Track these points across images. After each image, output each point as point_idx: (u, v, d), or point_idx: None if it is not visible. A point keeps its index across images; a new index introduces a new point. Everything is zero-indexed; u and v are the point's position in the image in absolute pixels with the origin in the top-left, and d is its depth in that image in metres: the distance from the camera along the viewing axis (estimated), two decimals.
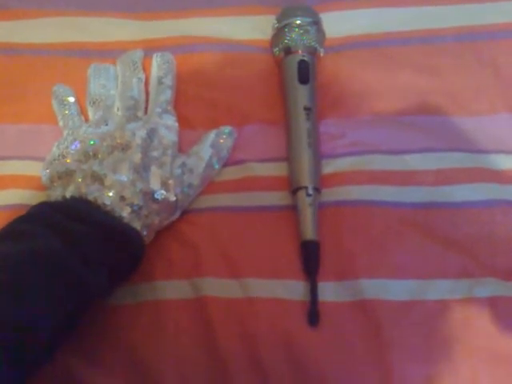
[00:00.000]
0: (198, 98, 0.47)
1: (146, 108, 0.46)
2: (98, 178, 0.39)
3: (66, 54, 0.50)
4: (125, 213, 0.38)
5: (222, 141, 0.45)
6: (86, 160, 0.41)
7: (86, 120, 0.46)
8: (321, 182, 0.43)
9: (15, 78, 0.49)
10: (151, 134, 0.42)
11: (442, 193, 0.42)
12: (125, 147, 0.41)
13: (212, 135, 0.45)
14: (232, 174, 0.44)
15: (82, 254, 0.35)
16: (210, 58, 0.49)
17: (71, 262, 0.34)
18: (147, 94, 0.47)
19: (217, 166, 0.44)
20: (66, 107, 0.46)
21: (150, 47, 0.49)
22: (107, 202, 0.38)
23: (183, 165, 0.42)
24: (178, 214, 0.42)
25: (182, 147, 0.45)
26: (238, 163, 0.45)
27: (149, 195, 0.39)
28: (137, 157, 0.40)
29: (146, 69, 0.48)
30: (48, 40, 0.50)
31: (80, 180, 0.39)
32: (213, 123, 0.46)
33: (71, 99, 0.46)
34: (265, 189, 0.43)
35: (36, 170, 0.43)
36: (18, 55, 0.50)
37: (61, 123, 0.45)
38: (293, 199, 0.42)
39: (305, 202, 0.41)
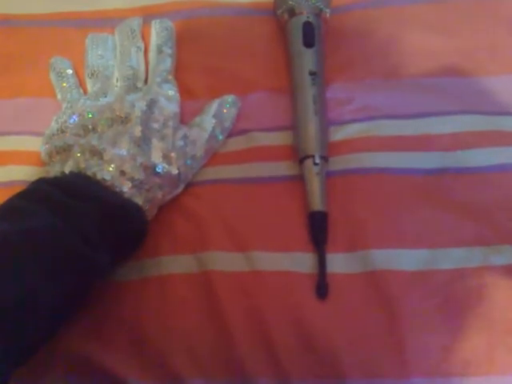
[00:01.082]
0: (200, 65, 0.46)
1: (147, 78, 0.44)
2: (96, 153, 0.37)
3: (62, 25, 0.48)
4: (125, 188, 0.37)
5: (225, 110, 0.43)
6: (84, 134, 0.40)
7: (85, 92, 0.45)
8: (328, 150, 0.41)
9: (11, 50, 0.47)
10: (151, 105, 0.41)
11: (457, 158, 0.40)
12: (124, 120, 0.40)
13: (215, 105, 0.43)
14: (236, 144, 0.43)
15: (81, 230, 0.34)
16: (210, 23, 0.47)
17: (71, 240, 0.33)
18: (147, 63, 0.45)
19: (220, 137, 0.42)
20: (64, 80, 0.44)
21: (149, 14, 0.48)
22: (107, 177, 0.36)
23: (185, 136, 0.41)
24: (181, 188, 0.41)
25: (183, 118, 0.43)
26: (243, 133, 0.43)
27: (150, 169, 0.38)
28: (137, 130, 0.39)
29: (145, 37, 0.46)
30: (44, 10, 0.49)
31: (79, 155, 0.38)
32: (215, 92, 0.44)
33: (69, 71, 0.45)
34: (270, 159, 0.42)
35: (35, 145, 0.42)
36: (13, 27, 0.48)
37: (59, 96, 0.44)
38: (300, 169, 0.41)
39: (312, 171, 0.40)
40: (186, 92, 0.44)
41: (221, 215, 0.40)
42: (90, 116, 0.40)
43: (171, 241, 0.39)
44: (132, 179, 0.37)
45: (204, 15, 0.47)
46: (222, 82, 0.45)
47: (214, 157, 0.43)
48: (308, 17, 0.43)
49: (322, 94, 0.42)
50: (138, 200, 0.37)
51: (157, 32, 0.46)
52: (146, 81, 0.44)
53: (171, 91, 0.43)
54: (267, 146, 0.42)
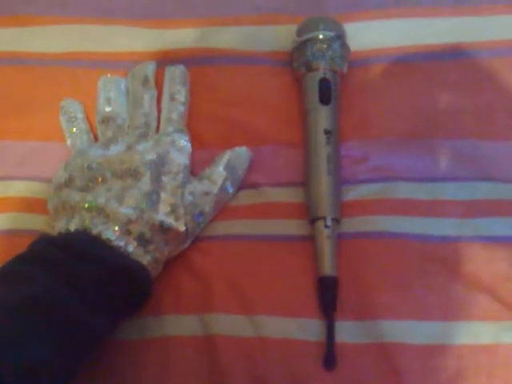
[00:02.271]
0: (213, 115, 0.45)
1: (159, 124, 0.44)
2: (102, 211, 0.37)
3: (75, 65, 0.47)
4: (131, 247, 0.36)
5: (236, 163, 0.42)
6: (92, 185, 0.39)
7: (96, 137, 0.44)
8: (341, 211, 0.40)
9: (21, 90, 0.46)
10: (162, 157, 0.40)
11: (472, 226, 0.40)
12: (133, 173, 0.39)
13: (226, 156, 0.42)
14: (247, 198, 0.42)
15: (84, 296, 0.33)
16: (225, 71, 0.46)
17: (73, 306, 0.32)
18: (159, 110, 0.44)
19: (231, 190, 0.42)
20: (74, 124, 0.44)
21: (163, 58, 0.47)
22: (112, 237, 0.35)
23: (195, 190, 0.40)
24: (188, 243, 0.40)
25: (194, 168, 0.43)
26: (254, 187, 0.42)
27: (157, 226, 0.37)
28: (145, 185, 0.38)
29: (158, 82, 0.46)
30: (56, 49, 0.48)
31: (84, 212, 0.37)
32: (227, 143, 0.43)
33: (80, 115, 0.44)
34: (281, 216, 0.41)
35: (41, 192, 0.42)
36: (24, 66, 0.47)
37: (68, 141, 0.43)
38: (311, 229, 0.40)
39: (323, 233, 0.39)
40: (197, 141, 0.44)
41: (228, 274, 0.39)
42: (99, 167, 0.40)
43: (175, 299, 0.39)
44: (138, 238, 0.36)
45: (219, 63, 0.46)
46: (235, 132, 0.44)
47: (223, 210, 0.42)
48: (325, 73, 0.43)
49: (337, 153, 0.41)
50: (144, 259, 0.36)
51: (170, 78, 0.45)
52: (158, 128, 0.44)
53: (183, 141, 0.42)
54: (278, 202, 0.41)
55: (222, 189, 0.41)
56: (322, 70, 0.43)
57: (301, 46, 0.44)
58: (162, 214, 0.38)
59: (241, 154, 0.43)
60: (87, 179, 0.40)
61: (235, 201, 0.42)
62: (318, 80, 0.42)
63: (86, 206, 0.37)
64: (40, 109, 0.46)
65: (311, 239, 0.40)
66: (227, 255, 0.40)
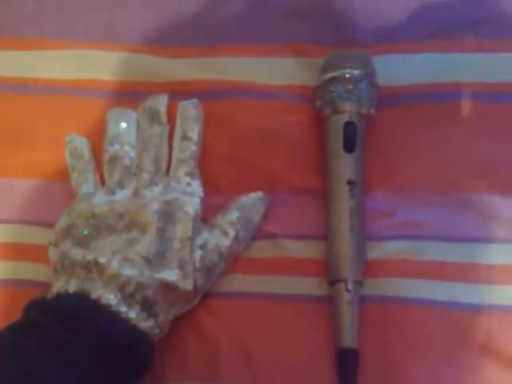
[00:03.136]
0: (227, 155, 0.42)
1: (169, 164, 0.41)
2: (104, 271, 0.34)
3: (83, 94, 0.44)
4: (133, 313, 0.33)
5: (251, 210, 0.39)
6: (96, 236, 0.36)
7: (102, 177, 0.41)
8: (364, 272, 0.37)
9: (25, 121, 0.44)
10: (171, 205, 0.37)
11: (507, 294, 0.36)
12: (139, 224, 0.36)
13: (240, 203, 0.39)
14: (260, 250, 0.39)
15: (80, 370, 0.30)
16: (242, 106, 0.43)
17: (69, 382, 0.30)
18: (170, 147, 0.41)
19: (244, 242, 0.39)
20: (80, 164, 0.41)
21: (176, 91, 0.43)
22: (112, 302, 0.33)
23: (205, 243, 0.37)
24: (196, 301, 0.37)
25: (205, 214, 0.39)
26: (269, 237, 0.39)
27: (163, 286, 0.34)
28: (151, 240, 0.35)
29: (170, 115, 0.42)
30: (64, 76, 0.45)
31: (84, 273, 0.34)
32: (242, 187, 0.40)
33: (86, 153, 0.41)
34: (297, 273, 0.38)
35: (43, 238, 0.39)
36: (29, 94, 0.44)
37: (73, 182, 0.40)
38: (330, 289, 0.37)
39: (343, 298, 0.36)
40: (210, 184, 0.40)
41: (238, 338, 0.36)
42: (103, 217, 0.37)
43: (180, 364, 0.36)
44: (141, 301, 0.33)
45: (235, 97, 0.43)
46: (250, 175, 0.41)
47: (235, 261, 0.39)
48: (351, 116, 0.39)
49: (361, 207, 0.38)
50: (147, 325, 0.33)
51: (183, 115, 0.42)
52: (168, 167, 0.40)
53: (194, 186, 0.39)
54: (295, 257, 0.38)
55: (235, 239, 0.38)
56: (347, 112, 0.39)
57: (325, 85, 0.40)
58: (169, 273, 0.35)
59: (256, 200, 0.39)
60: (90, 228, 0.37)
61: (248, 252, 0.39)
62: (342, 124, 0.39)
63: (86, 264, 0.34)
64: (44, 143, 0.43)
65: (330, 301, 0.36)
66: (238, 316, 0.37)
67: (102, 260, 0.34)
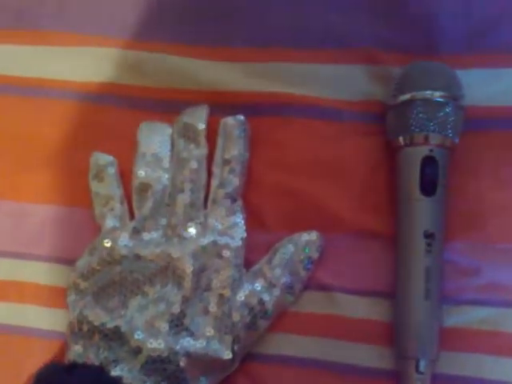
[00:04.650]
0: (277, 185, 0.35)
1: (207, 193, 0.34)
2: (126, 342, 0.28)
3: (105, 101, 0.38)
4: None
5: (302, 256, 0.33)
6: (119, 288, 0.31)
7: (129, 202, 0.35)
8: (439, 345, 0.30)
9: (39, 134, 0.37)
10: (208, 252, 0.31)
11: None
12: (169, 277, 0.31)
13: (290, 245, 0.33)
14: (313, 304, 0.33)
15: None
16: (298, 126, 0.36)
17: None
18: (210, 172, 0.35)
19: (293, 295, 0.32)
20: (105, 189, 0.35)
21: (219, 103, 0.36)
22: (135, 383, 0.27)
23: (247, 299, 0.31)
24: (234, 367, 0.31)
25: (248, 255, 0.33)
26: (323, 289, 0.33)
27: (195, 356, 0.29)
28: (182, 298, 0.30)
29: (210, 132, 0.36)
30: (83, 78, 0.38)
31: (103, 343, 0.29)
32: (293, 224, 0.34)
33: (113, 179, 0.35)
34: (358, 339, 0.32)
35: (61, 278, 0.34)
36: (45, 98, 0.38)
37: (97, 211, 0.35)
38: (396, 364, 0.31)
39: (412, 380, 0.29)
40: (255, 219, 0.34)
41: None
42: (128, 265, 0.31)
43: None
44: (168, 378, 0.28)
45: (291, 114, 0.36)
46: (304, 211, 0.34)
47: (281, 318, 0.33)
48: (431, 150, 0.32)
49: (440, 265, 0.31)
50: None
51: (226, 134, 0.35)
52: (206, 198, 0.34)
53: (236, 225, 0.33)
54: (353, 318, 0.32)
55: (282, 291, 0.32)
56: (427, 145, 0.32)
57: (400, 107, 0.32)
58: (203, 342, 0.29)
59: (310, 241, 0.33)
60: (112, 278, 0.31)
61: (298, 305, 0.33)
62: (420, 159, 0.32)
63: (106, 332, 0.29)
64: (61, 161, 0.37)
65: (396, 377, 0.30)
66: None
67: (125, 329, 0.29)
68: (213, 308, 0.31)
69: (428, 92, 0.32)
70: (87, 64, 0.38)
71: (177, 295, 0.30)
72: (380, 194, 0.34)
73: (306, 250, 0.33)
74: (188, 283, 0.30)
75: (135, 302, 0.30)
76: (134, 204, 0.34)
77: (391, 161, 0.34)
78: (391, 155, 0.33)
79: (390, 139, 0.33)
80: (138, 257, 0.32)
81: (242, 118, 0.35)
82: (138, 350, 0.28)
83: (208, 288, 0.31)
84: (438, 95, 0.32)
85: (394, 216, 0.33)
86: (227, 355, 0.30)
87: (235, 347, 0.30)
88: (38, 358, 0.32)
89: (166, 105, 0.37)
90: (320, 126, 0.35)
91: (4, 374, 0.32)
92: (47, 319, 0.33)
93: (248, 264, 0.33)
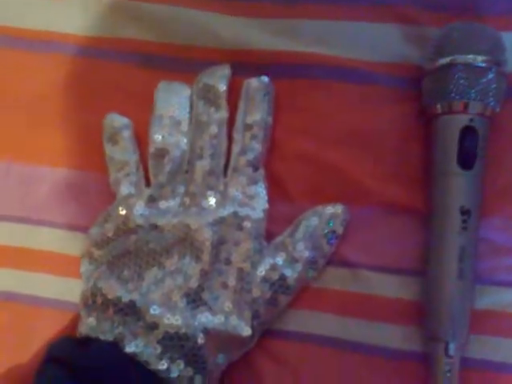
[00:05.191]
0: (301, 153, 0.33)
1: (227, 160, 0.32)
2: (141, 316, 0.27)
3: (121, 59, 0.35)
4: (175, 372, 0.27)
5: (326, 230, 0.31)
6: (134, 259, 0.29)
7: (145, 168, 0.33)
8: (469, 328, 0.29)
9: (49, 92, 0.35)
10: (227, 224, 0.30)
11: None
12: (186, 248, 0.29)
13: (314, 220, 0.31)
14: (336, 281, 0.31)
15: None
16: (327, 90, 0.33)
17: None
18: (229, 138, 0.33)
19: (316, 270, 0.31)
20: (120, 154, 0.33)
21: (242, 61, 0.34)
22: (151, 360, 0.26)
23: (268, 274, 0.29)
24: (253, 344, 0.30)
25: (269, 226, 0.32)
26: (347, 266, 0.31)
27: (214, 333, 0.28)
28: (200, 271, 0.29)
29: (231, 94, 0.33)
30: (98, 32, 0.35)
31: (118, 317, 0.27)
32: (317, 195, 0.32)
33: (128, 142, 0.33)
34: (384, 318, 0.30)
35: (74, 246, 0.32)
36: (54, 53, 0.35)
37: (111, 178, 0.33)
38: (424, 346, 0.29)
39: (441, 364, 0.28)
40: (278, 189, 0.33)
41: None
42: (143, 235, 0.30)
43: None
44: (185, 355, 0.27)
45: (319, 76, 0.33)
46: (329, 181, 0.32)
47: (302, 293, 0.31)
48: (471, 119, 0.29)
49: (474, 243, 0.29)
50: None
51: (248, 97, 0.33)
52: (226, 165, 0.32)
53: (258, 195, 0.31)
54: (381, 296, 0.31)
55: (305, 266, 0.30)
56: (467, 113, 0.29)
57: (438, 72, 0.30)
58: (223, 317, 0.28)
59: (335, 214, 0.31)
60: (127, 248, 0.30)
61: (320, 281, 0.31)
62: (459, 129, 0.29)
63: (121, 306, 0.27)
64: (74, 122, 0.35)
65: (424, 359, 0.29)
66: (304, 366, 0.30)
67: (140, 304, 0.27)
68: (232, 282, 0.29)
69: (470, 56, 0.29)
70: (102, 18, 0.36)
71: (195, 268, 0.29)
72: (413, 165, 0.32)
73: (331, 224, 0.31)
74: (206, 256, 0.29)
75: (151, 274, 0.29)
76: (151, 170, 0.33)
77: (426, 130, 0.31)
78: (426, 124, 0.31)
79: (425, 106, 0.31)
80: (154, 226, 0.30)
81: (266, 79, 0.33)
82: (154, 326, 0.27)
83: (227, 261, 0.30)
84: (480, 60, 0.29)
85: (427, 190, 0.31)
86: (246, 332, 0.28)
87: (254, 323, 0.29)
88: (48, 328, 0.31)
89: (185, 64, 0.35)
90: (349, 90, 0.33)
91: (14, 342, 0.31)
92: (59, 288, 0.32)
93: (269, 236, 0.31)
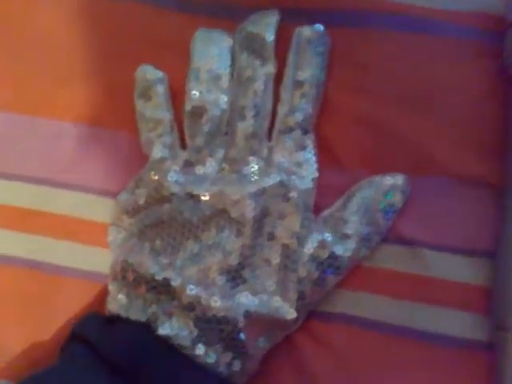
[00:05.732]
0: (356, 116, 0.29)
1: (273, 121, 0.29)
2: (176, 295, 0.24)
3: (154, 2, 0.31)
4: (213, 357, 0.24)
5: (384, 204, 0.27)
6: (168, 230, 0.27)
7: (181, 129, 0.30)
8: None
9: (78, 41, 0.32)
10: (272, 195, 0.27)
11: None
12: (225, 221, 0.26)
13: (369, 192, 0.27)
14: (393, 260, 0.28)
15: None
16: (387, 42, 0.29)
17: None
18: (277, 95, 0.29)
19: (369, 246, 0.27)
20: (153, 111, 0.29)
21: (290, 7, 0.30)
22: (185, 343, 0.24)
23: (316, 251, 0.26)
24: (297, 327, 0.27)
25: (318, 198, 0.28)
26: (406, 243, 0.28)
27: (255, 316, 0.25)
28: (241, 247, 0.26)
29: (280, 45, 0.29)
30: None
31: (150, 295, 0.25)
32: (374, 163, 0.28)
33: (162, 99, 0.30)
34: (448, 303, 0.27)
35: (100, 212, 0.29)
36: None
37: (143, 138, 0.29)
38: (492, 335, 0.26)
39: (509, 356, 0.24)
40: (328, 156, 0.29)
41: (348, 379, 0.27)
42: (177, 203, 0.27)
43: None
44: (224, 340, 0.24)
45: (374, 26, 0.29)
46: (388, 148, 0.28)
47: (354, 271, 0.28)
48: None
49: None
50: (230, 371, 0.25)
51: (300, 50, 0.29)
52: (271, 128, 0.29)
53: (307, 162, 0.28)
54: (445, 279, 0.27)
55: (358, 243, 0.27)
56: None
57: None
58: (265, 297, 0.25)
59: (394, 186, 0.27)
60: (160, 217, 0.27)
61: (373, 260, 0.28)
62: None
63: (154, 284, 0.25)
64: (105, 75, 0.31)
65: (490, 350, 0.26)
66: (348, 350, 0.27)
67: (175, 283, 0.24)
68: (276, 260, 0.26)
69: None
70: None
71: (235, 243, 0.26)
72: (487, 132, 0.27)
73: (389, 196, 0.27)
74: (248, 230, 0.26)
75: (187, 248, 0.26)
76: (186, 131, 0.29)
77: (506, 92, 0.27)
78: (507, 84, 0.27)
79: (507, 65, 0.27)
80: (190, 195, 0.27)
81: (321, 28, 0.29)
82: (190, 307, 0.24)
83: (271, 236, 0.26)
84: None
85: (503, 161, 0.27)
86: (291, 314, 0.25)
87: (299, 305, 0.26)
88: (75, 300, 0.28)
89: (226, 9, 0.31)
90: (414, 42, 0.29)
91: (38, 314, 0.29)
92: (83, 258, 0.29)
93: (318, 209, 0.28)
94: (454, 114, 0.28)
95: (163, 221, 0.27)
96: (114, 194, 0.29)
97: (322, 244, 0.26)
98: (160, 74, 0.30)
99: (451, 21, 0.28)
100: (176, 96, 0.30)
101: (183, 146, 0.29)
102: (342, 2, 0.29)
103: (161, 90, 0.30)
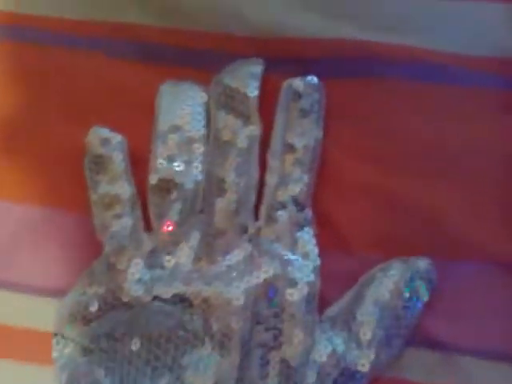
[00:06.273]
0: (363, 184, 0.24)
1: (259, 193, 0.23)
2: None
3: (110, 51, 0.26)
4: None
5: (407, 296, 0.21)
6: (127, 354, 0.20)
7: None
8: None
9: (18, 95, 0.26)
10: (264, 293, 0.21)
11: None
12: (205, 333, 0.20)
13: (385, 282, 0.22)
14: (419, 368, 0.22)
15: None
16: (391, 93, 0.24)
17: None
18: (263, 164, 0.23)
19: (393, 354, 0.21)
20: (108, 187, 0.23)
21: (277, 55, 0.25)
22: None
23: (324, 365, 0.20)
24: None
25: (322, 287, 0.22)
26: (435, 347, 0.22)
27: None
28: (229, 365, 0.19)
29: (265, 98, 0.24)
30: (80, 15, 0.27)
31: None
32: (389, 245, 0.23)
33: (120, 170, 0.24)
34: None
35: (39, 317, 0.23)
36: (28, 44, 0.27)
37: (96, 219, 0.23)
38: None
39: None
40: (331, 234, 0.23)
41: None
42: (142, 313, 0.20)
43: None
44: None
45: (380, 74, 0.25)
46: (403, 225, 0.23)
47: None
48: None
49: None
50: None
51: (291, 106, 0.24)
52: (258, 202, 0.23)
53: (305, 245, 0.22)
54: None
55: (378, 350, 0.21)
56: None
57: None
58: None
59: (418, 273, 0.22)
60: (117, 326, 0.20)
61: (397, 368, 0.22)
62: None
63: None
64: (47, 141, 0.25)
65: None
66: None
67: None
68: (273, 382, 0.20)
69: None
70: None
71: (219, 364, 0.20)
72: None
73: (412, 287, 0.22)
74: (235, 345, 0.20)
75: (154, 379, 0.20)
76: (152, 210, 0.23)
77: None
78: None
79: None
80: (158, 300, 0.20)
81: (315, 80, 0.24)
82: None
83: (265, 352, 0.20)
84: None
85: None
86: None
87: None
88: None
89: (199, 57, 0.26)
90: (430, 93, 0.24)
91: None
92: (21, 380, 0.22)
93: (322, 302, 0.22)
94: (486, 181, 0.23)
95: (120, 336, 0.20)
96: (58, 294, 0.23)
97: (332, 357, 0.20)
98: (118, 137, 0.24)
99: (474, 67, 0.24)
100: (138, 165, 0.24)
101: (148, 228, 0.23)
102: (340, 47, 0.24)
103: (119, 157, 0.24)
